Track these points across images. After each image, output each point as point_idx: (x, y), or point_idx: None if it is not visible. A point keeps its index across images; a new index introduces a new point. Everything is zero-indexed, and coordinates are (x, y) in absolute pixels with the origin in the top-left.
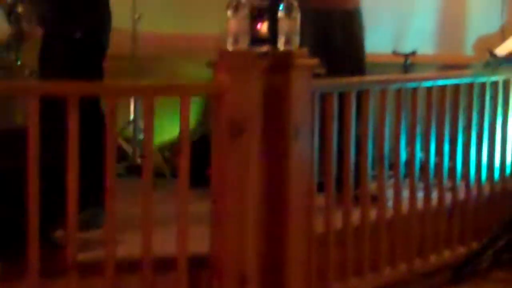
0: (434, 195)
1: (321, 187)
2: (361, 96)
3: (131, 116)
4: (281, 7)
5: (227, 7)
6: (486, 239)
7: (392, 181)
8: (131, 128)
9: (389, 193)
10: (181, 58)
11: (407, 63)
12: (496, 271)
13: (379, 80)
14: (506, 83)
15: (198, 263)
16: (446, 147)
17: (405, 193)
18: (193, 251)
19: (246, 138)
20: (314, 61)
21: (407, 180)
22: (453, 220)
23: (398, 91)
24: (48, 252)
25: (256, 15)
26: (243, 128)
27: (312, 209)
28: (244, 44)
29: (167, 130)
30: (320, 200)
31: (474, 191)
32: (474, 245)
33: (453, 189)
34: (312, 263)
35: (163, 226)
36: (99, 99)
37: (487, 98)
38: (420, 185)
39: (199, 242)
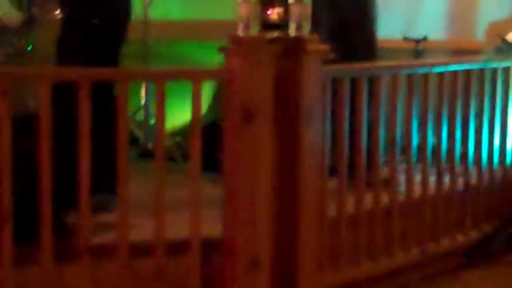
0: (446, 179)
1: (333, 172)
2: (373, 82)
3: (143, 101)
4: None
5: None
6: (498, 223)
7: (404, 166)
8: (142, 112)
9: (401, 178)
10: (193, 44)
11: (418, 48)
12: (508, 254)
13: (391, 66)
14: None
15: (210, 247)
16: (458, 132)
17: (417, 178)
18: (205, 235)
19: (257, 123)
20: (326, 46)
21: (419, 165)
22: (465, 204)
23: (410, 76)
24: (61, 236)
25: (267, 0)
26: (254, 113)
27: (325, 193)
28: (255, 29)
29: (179, 115)
30: (332, 184)
31: (486, 176)
32: (487, 228)
33: (465, 173)
34: (324, 247)
35: (175, 210)
36: (112, 85)
37: (499, 83)
38: (432, 170)
39: (211, 226)
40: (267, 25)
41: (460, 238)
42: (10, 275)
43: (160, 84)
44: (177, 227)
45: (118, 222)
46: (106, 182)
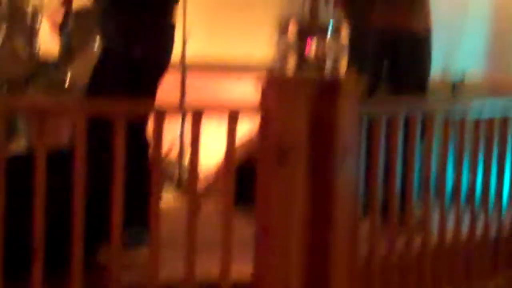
0: (480, 223)
1: (366, 211)
2: (409, 122)
3: (178, 134)
4: (330, 28)
5: (276, 30)
6: None
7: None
8: (176, 146)
9: (435, 220)
10: (228, 80)
11: (456, 84)
12: None
13: (426, 106)
14: None
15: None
16: (494, 177)
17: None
18: (236, 275)
19: (292, 163)
20: (362, 86)
21: (453, 208)
22: (499, 248)
23: (445, 119)
24: (92, 273)
25: (304, 36)
26: (289, 153)
27: (357, 234)
28: (291, 67)
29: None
30: (365, 224)
31: None
32: None
33: (499, 218)
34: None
35: (207, 248)
36: (146, 120)
37: None
38: (466, 213)
39: (242, 267)
40: (303, 62)
41: (493, 283)
42: None
43: (195, 119)
44: (208, 266)
45: (149, 261)
46: (139, 215)
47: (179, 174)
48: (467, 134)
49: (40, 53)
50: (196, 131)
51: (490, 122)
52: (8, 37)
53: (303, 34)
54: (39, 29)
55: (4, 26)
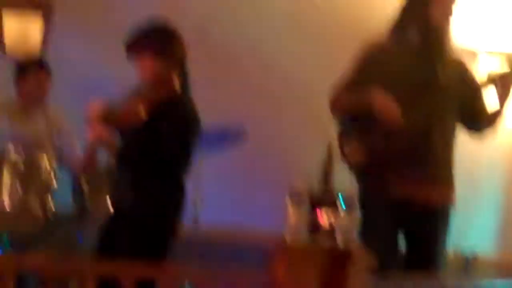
0: None
1: None
2: None
3: None
4: (341, 201)
5: (287, 200)
6: None
7: None
8: None
9: None
10: (237, 247)
11: (469, 260)
12: None
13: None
14: None
15: None
16: None
17: None
18: None
19: None
20: (372, 260)
21: None
22: None
23: None
24: None
25: (316, 206)
26: None
27: None
28: (303, 236)
29: None
30: None
31: None
32: None
33: None
34: None
35: None
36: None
37: None
38: None
39: None
40: (315, 230)
41: None
42: None
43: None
44: None
45: None
46: None
47: None
48: None
49: (53, 210)
50: None
51: None
52: (23, 193)
53: (315, 204)
54: (53, 186)
55: (19, 182)
